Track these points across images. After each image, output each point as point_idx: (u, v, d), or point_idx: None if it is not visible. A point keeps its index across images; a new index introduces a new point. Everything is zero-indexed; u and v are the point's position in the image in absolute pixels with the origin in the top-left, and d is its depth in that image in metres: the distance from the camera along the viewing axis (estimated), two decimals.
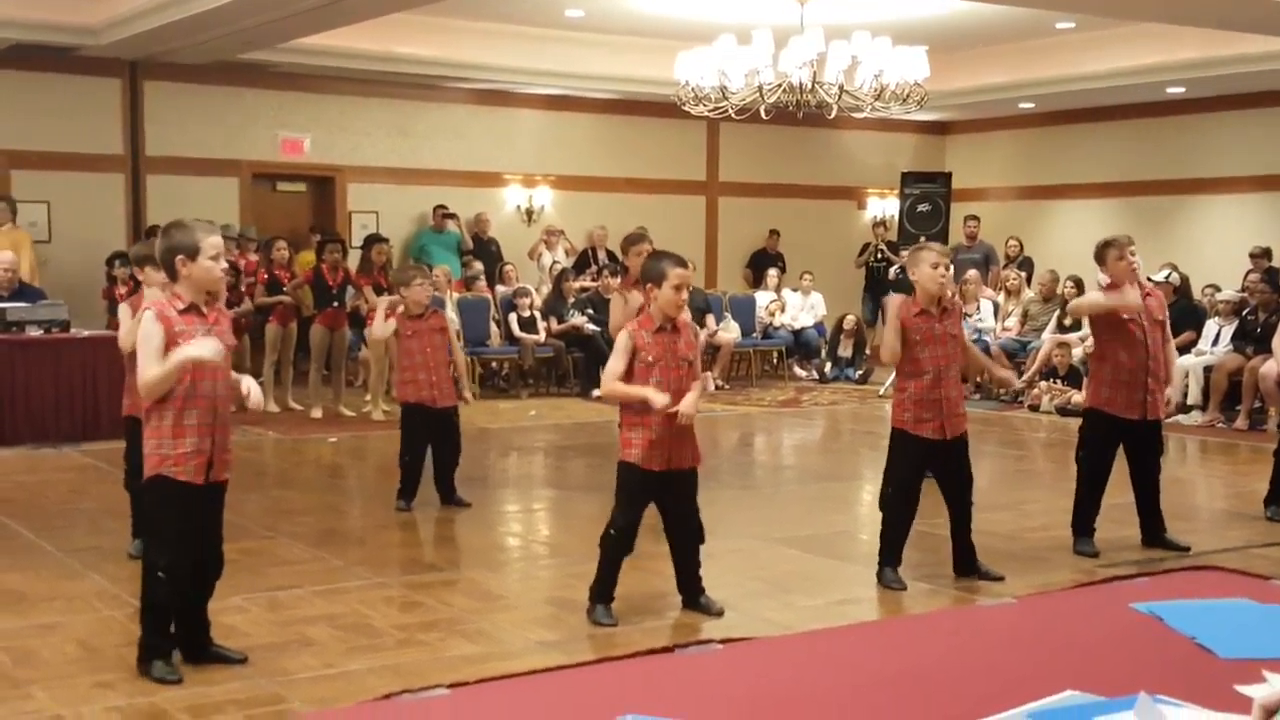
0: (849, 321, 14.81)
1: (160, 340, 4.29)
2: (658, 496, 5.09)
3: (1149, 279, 12.46)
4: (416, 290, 7.32)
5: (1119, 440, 6.39)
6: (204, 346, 4.27)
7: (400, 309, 7.34)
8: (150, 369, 4.29)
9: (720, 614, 5.05)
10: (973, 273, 14.05)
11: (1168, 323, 6.51)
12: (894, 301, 5.88)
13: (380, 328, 7.43)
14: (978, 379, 13.15)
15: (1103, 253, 6.36)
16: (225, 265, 4.52)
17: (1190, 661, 2.66)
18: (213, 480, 4.41)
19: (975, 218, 15.18)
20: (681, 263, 5.13)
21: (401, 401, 7.47)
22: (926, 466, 5.72)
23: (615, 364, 5.02)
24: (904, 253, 15.10)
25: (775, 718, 2.04)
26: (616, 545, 5.07)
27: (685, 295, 5.08)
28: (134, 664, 4.41)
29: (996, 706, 2.29)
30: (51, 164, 12.78)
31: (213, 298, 4.49)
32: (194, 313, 4.38)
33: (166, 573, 4.34)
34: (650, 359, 4.99)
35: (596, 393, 10.59)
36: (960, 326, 5.79)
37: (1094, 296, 6.44)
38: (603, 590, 5.08)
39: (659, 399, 4.85)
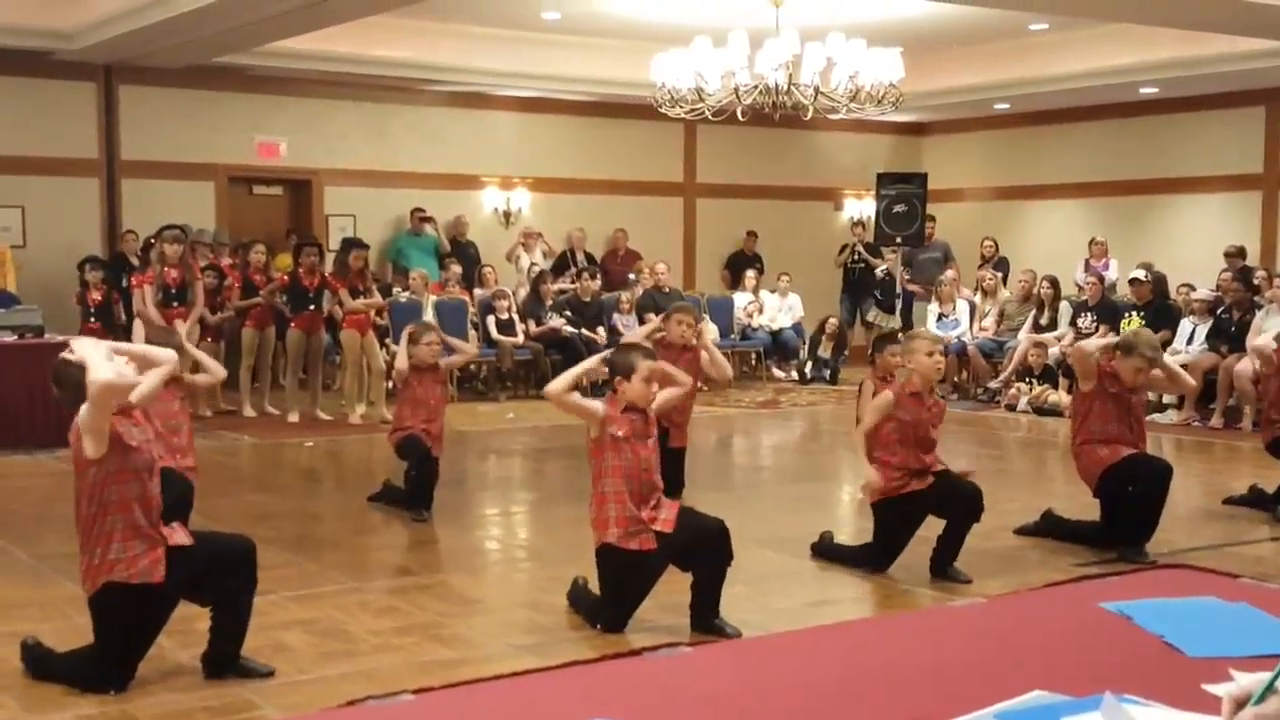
0: (831, 325, 14.83)
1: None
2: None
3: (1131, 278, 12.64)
4: (424, 350, 7.32)
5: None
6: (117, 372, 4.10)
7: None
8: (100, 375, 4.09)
9: (738, 634, 4.84)
10: (950, 273, 14.12)
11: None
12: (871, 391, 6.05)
13: (401, 358, 7.37)
14: (954, 380, 13.21)
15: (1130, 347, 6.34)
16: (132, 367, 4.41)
17: (1158, 660, 2.67)
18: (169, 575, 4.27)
19: (932, 218, 15.25)
20: (650, 355, 5.12)
21: (397, 443, 7.35)
22: (919, 519, 5.92)
23: (566, 379, 5.06)
24: (890, 254, 15.14)
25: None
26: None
27: (655, 387, 5.04)
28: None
29: (964, 706, 2.30)
30: (26, 168, 12.71)
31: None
32: (123, 414, 4.31)
33: (117, 687, 4.25)
34: (620, 434, 4.92)
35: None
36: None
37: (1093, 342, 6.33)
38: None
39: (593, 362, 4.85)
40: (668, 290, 14.11)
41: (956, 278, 14.13)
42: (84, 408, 4.16)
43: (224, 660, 4.42)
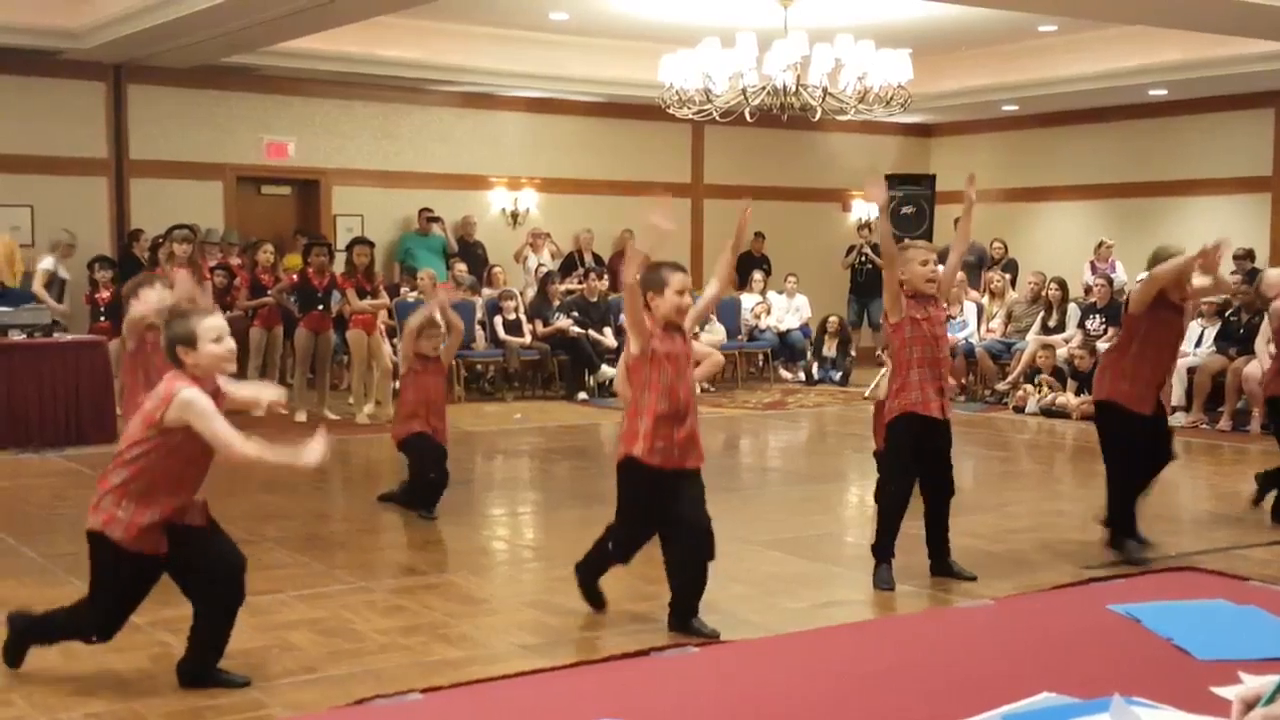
0: (832, 323, 14.82)
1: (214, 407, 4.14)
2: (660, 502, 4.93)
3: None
4: (424, 344, 7.34)
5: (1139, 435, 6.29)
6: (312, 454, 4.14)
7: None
8: (236, 440, 4.14)
9: (715, 635, 4.85)
10: (959, 275, 14.09)
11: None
12: None
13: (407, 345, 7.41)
14: (962, 382, 13.19)
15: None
16: (229, 346, 4.35)
17: (1167, 663, 2.66)
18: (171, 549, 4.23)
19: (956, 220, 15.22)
20: (680, 268, 5.09)
21: (402, 439, 7.34)
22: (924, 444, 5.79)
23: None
24: None
25: None
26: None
27: (689, 300, 4.99)
28: (113, 669, 4.39)
29: (972, 709, 2.29)
30: (35, 168, 12.75)
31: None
32: (214, 397, 4.27)
33: (101, 634, 4.28)
34: (662, 349, 4.90)
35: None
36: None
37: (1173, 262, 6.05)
38: None
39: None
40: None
41: (964, 279, 14.09)
42: (197, 418, 4.14)
43: (202, 671, 4.32)
